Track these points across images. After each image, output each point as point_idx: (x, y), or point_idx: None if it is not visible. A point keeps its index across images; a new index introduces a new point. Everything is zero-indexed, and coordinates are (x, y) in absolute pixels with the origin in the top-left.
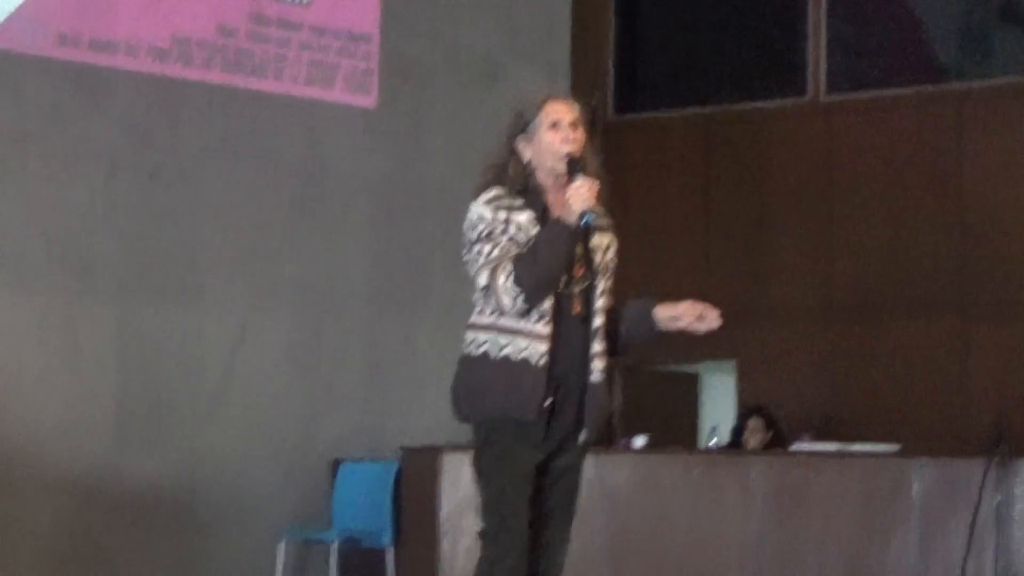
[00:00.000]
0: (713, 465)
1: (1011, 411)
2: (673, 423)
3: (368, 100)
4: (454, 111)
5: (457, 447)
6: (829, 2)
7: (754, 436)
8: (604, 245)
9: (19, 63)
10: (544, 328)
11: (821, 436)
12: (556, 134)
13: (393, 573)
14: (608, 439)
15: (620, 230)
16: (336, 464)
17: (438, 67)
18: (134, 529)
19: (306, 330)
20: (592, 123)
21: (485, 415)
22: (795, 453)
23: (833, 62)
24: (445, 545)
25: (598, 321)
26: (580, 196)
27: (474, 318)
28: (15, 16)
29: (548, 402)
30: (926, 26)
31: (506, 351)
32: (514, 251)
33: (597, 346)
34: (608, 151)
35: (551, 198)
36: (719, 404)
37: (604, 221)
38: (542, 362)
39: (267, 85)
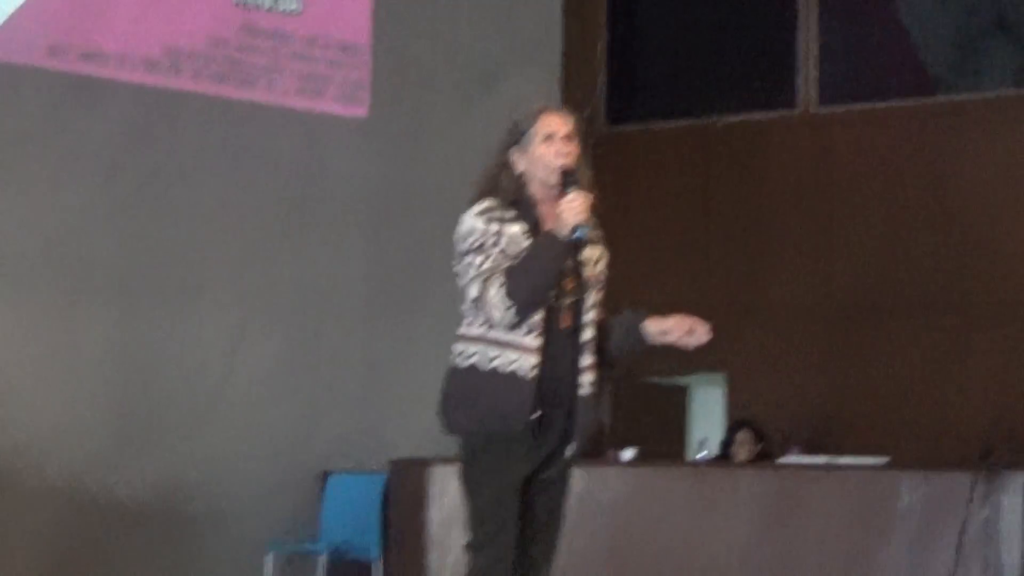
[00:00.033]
0: (701, 478)
1: (1007, 416)
2: (662, 436)
3: (360, 110)
4: (446, 121)
5: (445, 460)
6: (821, 14)
7: (743, 449)
8: (594, 258)
9: (11, 73)
10: (534, 341)
11: (810, 449)
12: (550, 146)
13: None
14: (597, 452)
15: (611, 241)
16: (324, 476)
17: (430, 77)
18: (122, 539)
19: (296, 343)
20: (585, 136)
21: (473, 427)
22: (783, 466)
23: (825, 74)
24: (433, 557)
25: (587, 334)
26: (573, 210)
27: (463, 329)
28: (7, 26)
29: (536, 415)
30: (917, 38)
31: (495, 363)
32: (506, 263)
33: (586, 359)
34: (600, 162)
35: (543, 210)
36: (708, 417)
37: (594, 233)
38: (531, 375)
39: (259, 95)
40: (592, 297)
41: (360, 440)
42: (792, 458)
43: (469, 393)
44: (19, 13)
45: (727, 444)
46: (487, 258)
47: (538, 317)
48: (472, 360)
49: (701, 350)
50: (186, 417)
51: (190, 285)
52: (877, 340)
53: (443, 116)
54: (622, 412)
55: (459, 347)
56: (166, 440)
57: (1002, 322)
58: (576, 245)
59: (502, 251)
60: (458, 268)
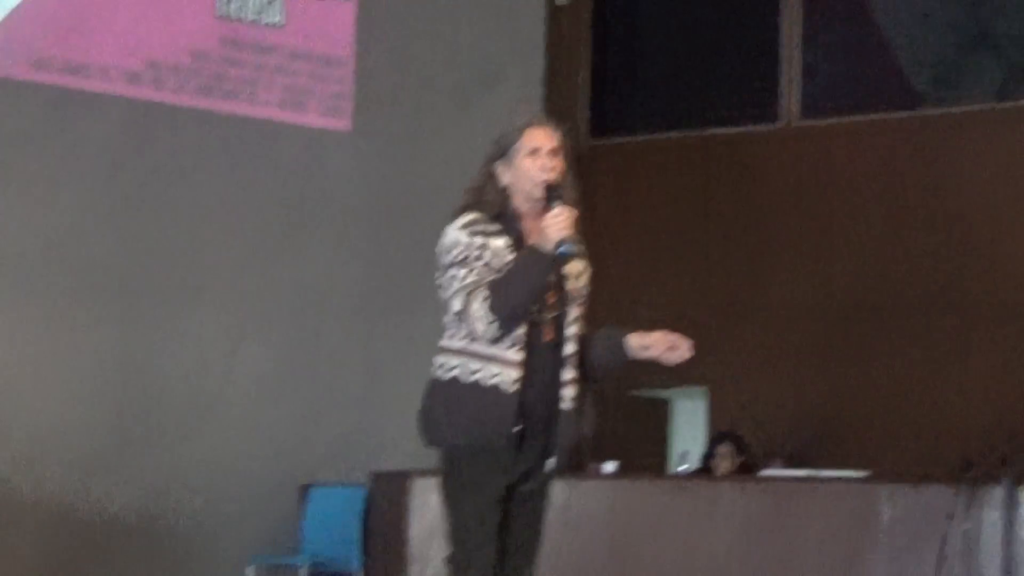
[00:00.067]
0: (683, 491)
1: (1003, 421)
2: (643, 449)
3: (342, 123)
4: (428, 134)
5: (426, 472)
6: (803, 28)
7: (724, 462)
8: (577, 272)
9: None
10: (516, 355)
11: (792, 462)
12: (535, 161)
13: None
14: (579, 465)
15: (591, 255)
16: (305, 489)
17: (411, 91)
18: (104, 553)
19: (275, 354)
20: (569, 150)
21: (454, 439)
22: (764, 479)
23: (807, 88)
24: (414, 570)
25: (570, 348)
26: (558, 225)
27: (445, 342)
28: None
29: (517, 428)
30: (901, 52)
31: (477, 376)
32: (489, 277)
33: (568, 373)
34: (581, 175)
35: (527, 225)
36: (690, 430)
37: (577, 248)
38: (513, 389)
39: (241, 108)
40: (574, 311)
41: (341, 453)
42: (773, 471)
43: (450, 406)
44: (3, 27)
45: (708, 457)
46: (471, 271)
47: (521, 331)
48: (454, 373)
49: (683, 363)
50: (168, 431)
51: (173, 299)
52: (860, 354)
53: (422, 133)
54: (603, 425)
55: (441, 359)
56: (147, 453)
57: (990, 332)
58: (560, 260)
59: (486, 264)
60: (441, 280)
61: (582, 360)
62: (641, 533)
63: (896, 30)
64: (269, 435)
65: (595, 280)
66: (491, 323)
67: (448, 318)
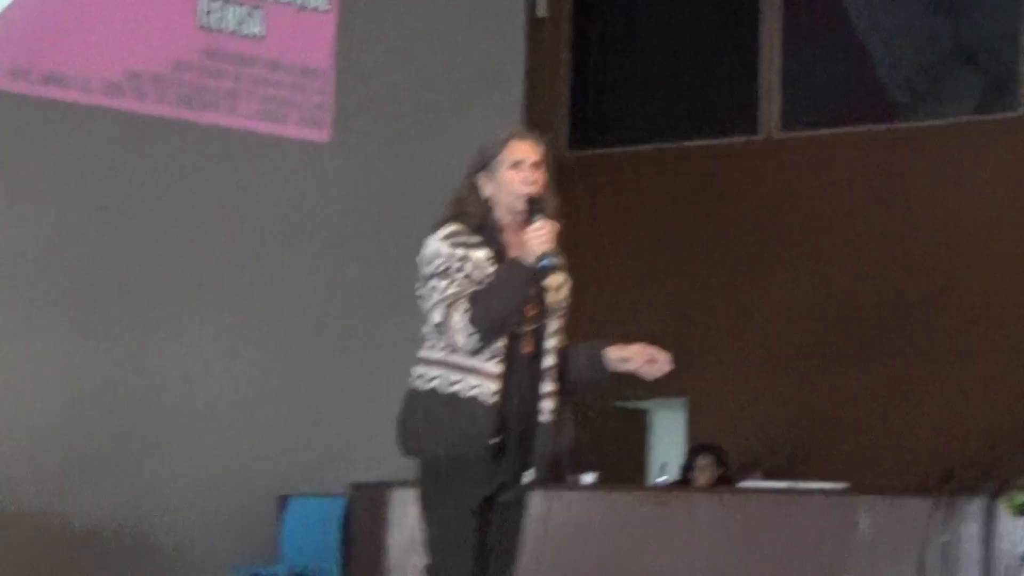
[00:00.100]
0: (661, 502)
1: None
2: (623, 460)
3: (322, 134)
4: (408, 146)
5: (405, 483)
6: (783, 40)
7: (703, 473)
8: (557, 284)
9: None
10: (495, 367)
11: (771, 475)
12: (517, 174)
13: None
14: (558, 476)
15: (571, 267)
16: (284, 500)
17: (391, 103)
18: (80, 565)
19: (254, 365)
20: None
21: (432, 450)
22: (742, 490)
23: (787, 100)
24: None
25: (549, 361)
26: (539, 238)
27: (425, 352)
28: None
29: (495, 441)
30: (879, 65)
31: (456, 388)
32: (470, 289)
33: (547, 386)
34: (561, 187)
35: (509, 237)
36: (669, 441)
37: (558, 261)
38: (492, 401)
39: (221, 119)
40: (554, 324)
41: (320, 463)
42: (752, 483)
43: (429, 416)
44: None
45: (687, 468)
46: (452, 283)
47: (500, 343)
48: (433, 384)
49: (663, 375)
50: (146, 442)
51: (149, 311)
52: (839, 367)
53: (406, 141)
54: (583, 435)
55: (420, 370)
56: (126, 464)
57: (972, 345)
58: (541, 274)
59: (467, 276)
60: (422, 291)
61: (562, 373)
62: (620, 544)
63: (875, 43)
64: (248, 446)
65: (574, 292)
66: (471, 335)
67: (428, 329)
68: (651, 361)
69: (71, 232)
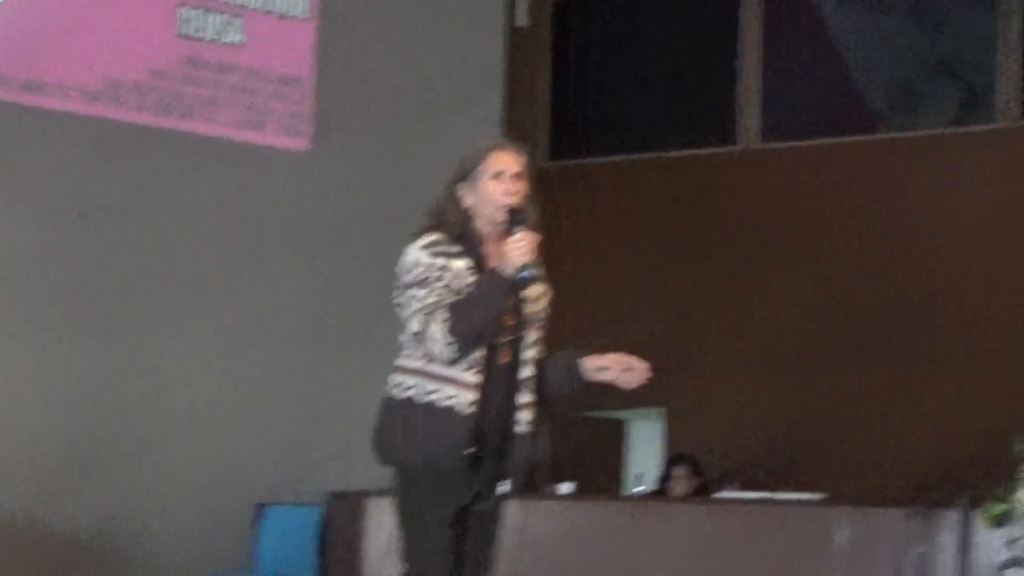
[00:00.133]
0: (638, 512)
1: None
2: (599, 470)
3: (300, 143)
4: (387, 155)
5: (382, 492)
6: (762, 52)
7: (680, 484)
8: (536, 295)
9: None
10: (473, 377)
11: (748, 485)
12: (498, 184)
13: None
14: (534, 486)
15: (550, 277)
16: (260, 508)
17: (371, 112)
18: (55, 571)
19: (232, 373)
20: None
21: (408, 459)
22: (719, 500)
23: (766, 111)
24: None
25: (526, 372)
26: (520, 250)
27: (402, 361)
28: None
29: (471, 450)
30: (858, 76)
31: (432, 397)
32: (449, 298)
33: (524, 397)
34: (541, 198)
35: (489, 247)
36: (646, 452)
37: (538, 272)
38: (468, 411)
39: (199, 128)
40: (532, 335)
41: (296, 472)
42: (729, 493)
43: (405, 425)
44: None
45: (664, 479)
46: (431, 292)
47: (478, 353)
48: (409, 393)
49: (640, 385)
50: (122, 450)
51: (122, 319)
52: (817, 378)
53: (380, 155)
54: (560, 445)
55: (397, 378)
56: (102, 473)
57: (946, 357)
58: (520, 285)
59: (446, 286)
60: (400, 300)
61: (539, 384)
62: (596, 554)
63: (855, 54)
64: (225, 454)
65: (554, 302)
66: (449, 344)
67: (405, 338)
68: (628, 370)
69: (47, 240)
